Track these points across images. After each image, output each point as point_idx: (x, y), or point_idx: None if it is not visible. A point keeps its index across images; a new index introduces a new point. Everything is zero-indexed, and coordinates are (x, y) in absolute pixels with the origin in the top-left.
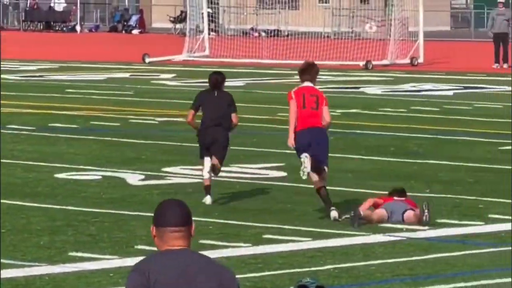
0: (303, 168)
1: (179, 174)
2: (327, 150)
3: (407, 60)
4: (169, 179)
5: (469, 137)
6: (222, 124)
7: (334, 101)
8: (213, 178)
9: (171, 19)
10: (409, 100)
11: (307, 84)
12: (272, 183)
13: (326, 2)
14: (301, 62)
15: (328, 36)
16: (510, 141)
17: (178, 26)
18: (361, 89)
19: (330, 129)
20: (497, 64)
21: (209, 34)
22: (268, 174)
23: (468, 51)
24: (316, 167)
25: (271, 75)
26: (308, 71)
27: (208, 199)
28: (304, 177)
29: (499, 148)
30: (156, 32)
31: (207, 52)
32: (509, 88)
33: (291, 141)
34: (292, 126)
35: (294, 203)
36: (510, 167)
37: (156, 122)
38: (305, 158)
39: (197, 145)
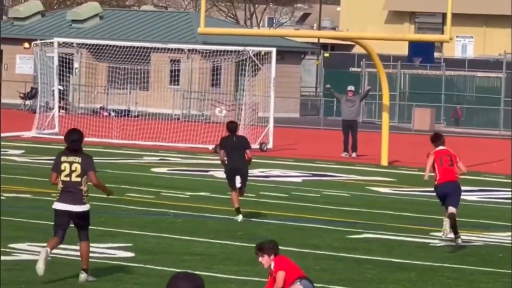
0: (444, 230)
1: (26, 251)
2: (460, 197)
3: (256, 146)
4: (16, 256)
5: (317, 225)
6: (242, 161)
7: (183, 183)
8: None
9: (21, 95)
10: (257, 186)
11: (441, 147)
12: (119, 263)
13: (176, 84)
14: (150, 143)
15: (177, 118)
16: (358, 230)
17: (28, 102)
18: (210, 173)
19: (179, 211)
20: (345, 153)
21: (59, 111)
22: (115, 254)
23: (317, 138)
24: (451, 212)
25: (120, 155)
26: (439, 138)
27: (239, 218)
28: (444, 237)
29: (346, 236)
30: (6, 108)
31: (56, 130)
32: (357, 177)
33: (425, 177)
34: (427, 169)
35: (141, 285)
36: (358, 256)
37: (4, 198)
38: (446, 223)
39: (43, 222)
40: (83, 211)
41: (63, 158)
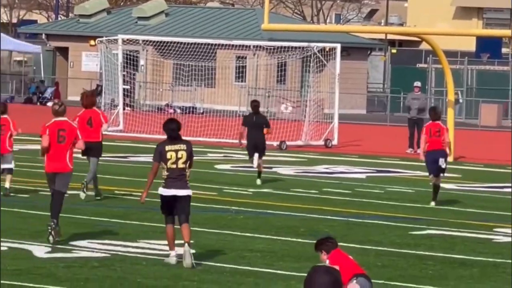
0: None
1: (86, 248)
2: (446, 160)
3: (321, 142)
4: (76, 253)
5: (380, 221)
6: (260, 136)
7: (246, 180)
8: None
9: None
10: (321, 182)
11: (434, 122)
12: (180, 259)
13: (242, 81)
14: (214, 140)
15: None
16: (421, 226)
17: None
18: (274, 169)
19: (241, 208)
20: (411, 149)
21: (124, 109)
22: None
23: (383, 134)
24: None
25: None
26: (434, 113)
27: (258, 181)
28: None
29: (409, 232)
30: (71, 105)
31: (121, 127)
32: (422, 173)
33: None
34: (421, 146)
35: (201, 281)
36: (420, 252)
37: (66, 195)
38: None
39: (104, 219)
40: (187, 195)
41: (168, 147)
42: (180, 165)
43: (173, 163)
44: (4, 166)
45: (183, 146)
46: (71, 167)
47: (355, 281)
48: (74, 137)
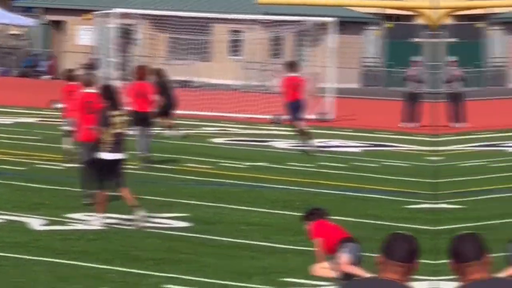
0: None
1: (82, 221)
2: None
3: (316, 116)
4: (72, 225)
5: (376, 195)
6: None
7: (242, 153)
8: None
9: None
10: (316, 156)
11: (292, 74)
12: (176, 233)
13: (237, 55)
14: (209, 113)
15: (238, 89)
16: (417, 200)
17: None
18: (269, 143)
19: (236, 181)
20: (404, 123)
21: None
22: (172, 224)
23: (378, 108)
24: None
25: (180, 126)
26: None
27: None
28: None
29: (405, 206)
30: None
31: None
32: (417, 147)
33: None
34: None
35: (198, 254)
36: (416, 226)
37: (63, 168)
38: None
39: None
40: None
41: (114, 113)
42: (120, 130)
43: (117, 128)
44: None
45: (123, 112)
46: None
47: (342, 249)
48: None
